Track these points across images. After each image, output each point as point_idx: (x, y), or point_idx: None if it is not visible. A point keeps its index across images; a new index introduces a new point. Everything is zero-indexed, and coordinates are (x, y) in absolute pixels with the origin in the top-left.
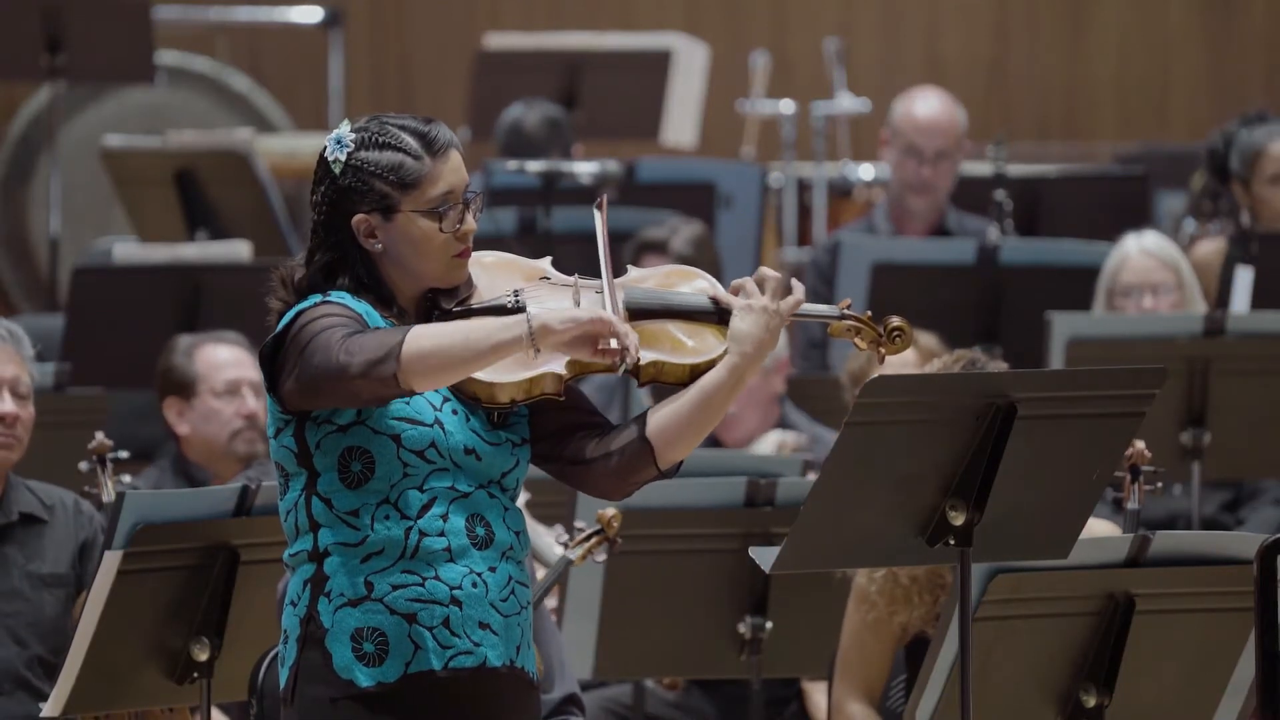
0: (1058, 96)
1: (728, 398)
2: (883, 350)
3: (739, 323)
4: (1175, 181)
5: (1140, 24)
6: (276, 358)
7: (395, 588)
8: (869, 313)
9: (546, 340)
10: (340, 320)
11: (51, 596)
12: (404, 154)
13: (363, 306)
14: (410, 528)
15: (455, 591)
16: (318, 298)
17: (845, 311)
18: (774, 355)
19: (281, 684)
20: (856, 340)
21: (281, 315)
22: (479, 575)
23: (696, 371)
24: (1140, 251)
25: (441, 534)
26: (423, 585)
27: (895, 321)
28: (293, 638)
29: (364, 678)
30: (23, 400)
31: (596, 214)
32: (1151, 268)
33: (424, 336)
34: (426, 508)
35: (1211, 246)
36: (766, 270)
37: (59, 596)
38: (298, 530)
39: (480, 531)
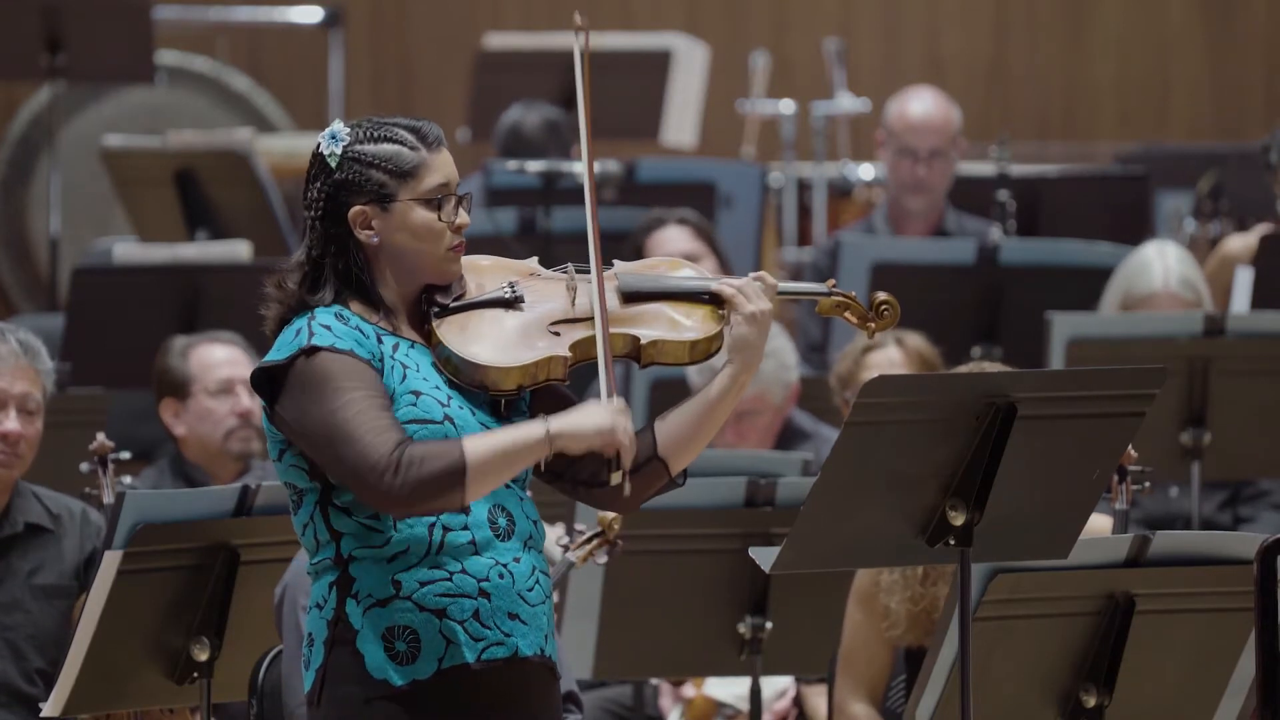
0: (1058, 96)
1: (732, 403)
2: (871, 325)
3: (745, 331)
4: (1175, 181)
5: (1140, 24)
6: (271, 381)
7: (423, 584)
8: (853, 292)
9: (568, 443)
10: (367, 407)
11: (54, 608)
12: (400, 145)
13: (349, 333)
14: (434, 524)
15: (483, 584)
16: (304, 323)
17: (832, 289)
18: (786, 384)
19: (306, 687)
20: (846, 316)
21: (278, 322)
22: (504, 566)
23: (696, 349)
24: (1167, 292)
25: (465, 527)
26: (450, 580)
27: (881, 296)
28: (319, 640)
29: (398, 677)
30: (30, 417)
31: (576, 40)
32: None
33: (480, 473)
34: None
35: (1241, 242)
36: (681, 266)
37: (61, 608)
38: (318, 543)
39: (502, 522)
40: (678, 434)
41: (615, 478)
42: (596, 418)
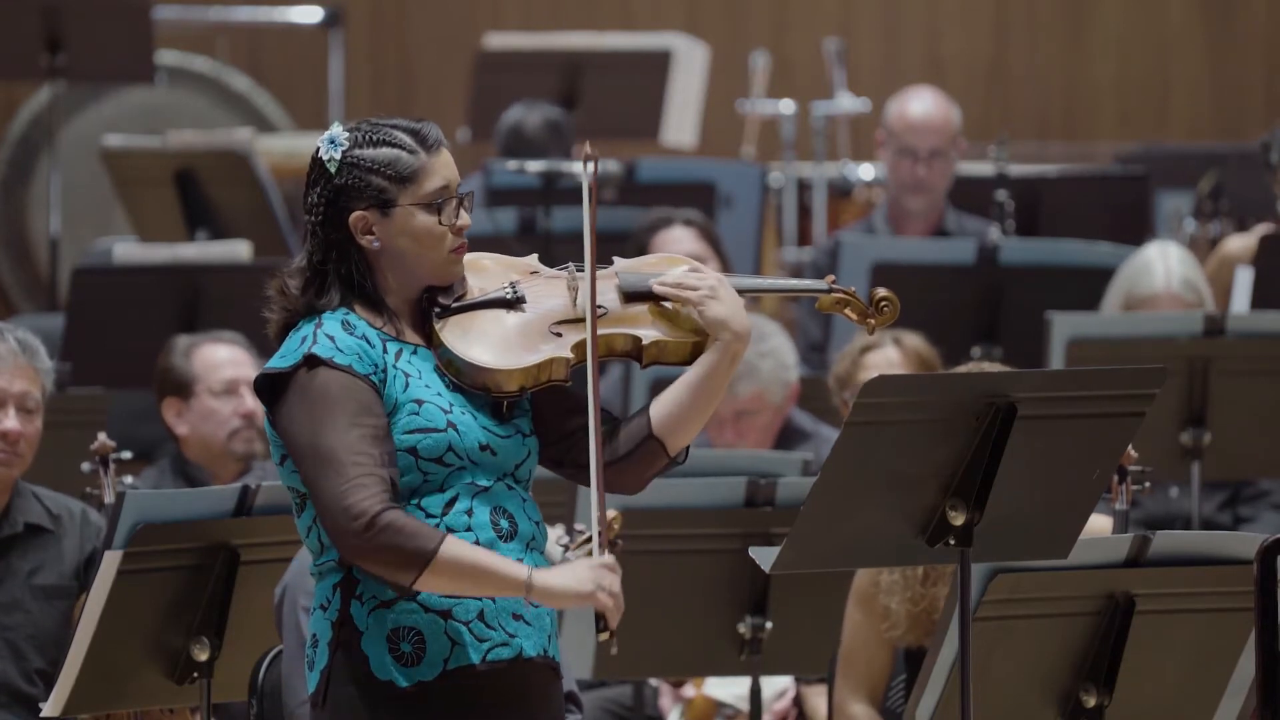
0: (1058, 96)
1: (726, 376)
2: (871, 321)
3: (711, 310)
4: (1175, 181)
5: (1140, 24)
6: (273, 388)
7: None
8: (852, 287)
9: (542, 599)
10: (357, 440)
11: (54, 609)
12: (399, 149)
13: (354, 344)
14: (437, 525)
15: None
16: (310, 330)
17: (833, 285)
18: (785, 384)
19: (311, 688)
20: (846, 312)
21: (281, 327)
22: None
23: (698, 348)
24: (1169, 294)
25: (469, 529)
26: None
27: (881, 292)
28: (324, 641)
29: (403, 678)
30: (29, 415)
31: (585, 173)
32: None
33: (444, 572)
34: (450, 504)
35: (1241, 242)
36: (679, 264)
37: (61, 609)
38: (322, 545)
39: (504, 524)
40: (672, 411)
41: (601, 638)
42: (578, 582)
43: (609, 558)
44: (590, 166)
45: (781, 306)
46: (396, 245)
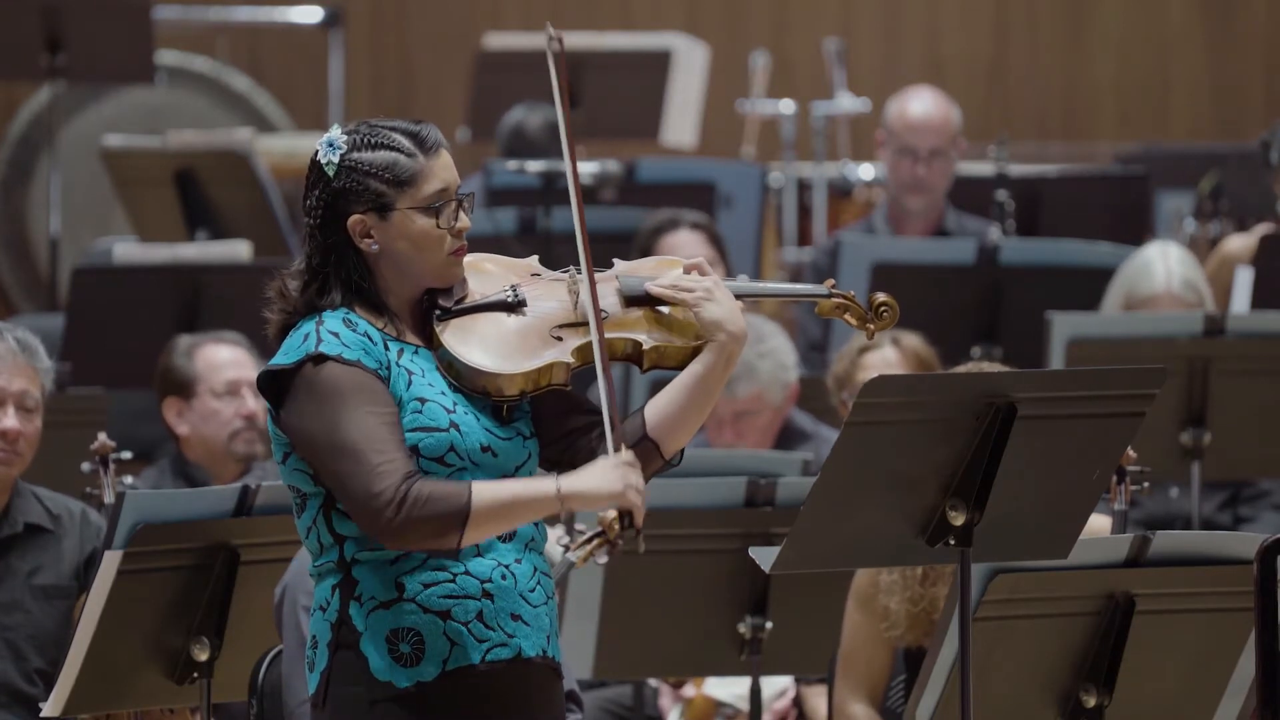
0: (1058, 96)
1: (721, 378)
2: (871, 327)
3: (706, 312)
4: (1175, 181)
5: (1140, 24)
6: (277, 385)
7: (426, 586)
8: (852, 292)
9: (576, 505)
10: (375, 427)
11: (54, 609)
12: (397, 152)
13: (358, 340)
14: None
15: (486, 585)
16: (312, 327)
17: (832, 290)
18: (785, 384)
19: (311, 689)
20: (846, 317)
21: (280, 328)
22: (507, 567)
23: (698, 353)
24: (1169, 294)
25: None
26: (454, 581)
27: (881, 297)
28: (323, 642)
29: (403, 679)
30: (29, 414)
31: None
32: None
33: (481, 522)
34: None
35: (1241, 242)
36: (679, 266)
37: (61, 609)
38: (321, 546)
39: None
40: (668, 413)
41: (627, 535)
42: (608, 481)
43: (627, 454)
44: (555, 45)
45: (781, 307)
46: (395, 248)
